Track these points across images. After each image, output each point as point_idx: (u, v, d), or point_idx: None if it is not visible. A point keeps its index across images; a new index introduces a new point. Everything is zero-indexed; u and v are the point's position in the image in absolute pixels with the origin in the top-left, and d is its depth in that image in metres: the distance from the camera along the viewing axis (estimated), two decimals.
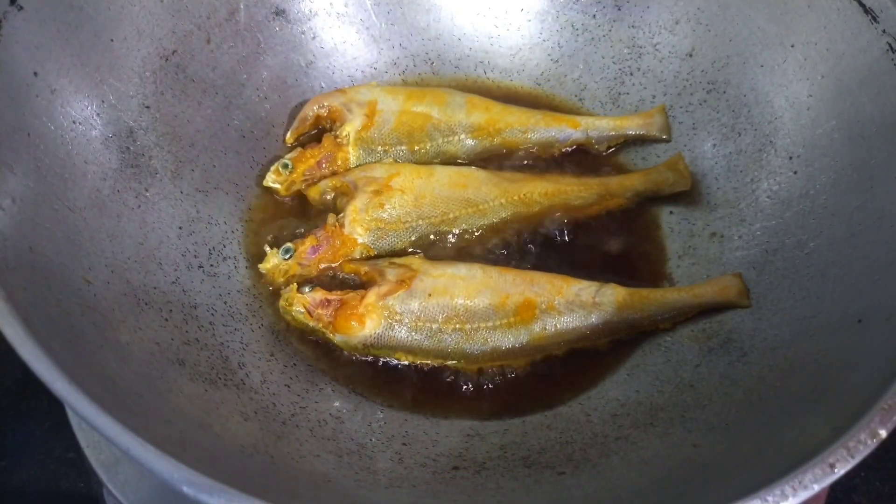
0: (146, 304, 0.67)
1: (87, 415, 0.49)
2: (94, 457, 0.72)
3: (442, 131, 0.85)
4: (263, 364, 0.71)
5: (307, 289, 0.73)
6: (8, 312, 0.51)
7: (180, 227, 0.75)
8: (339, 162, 0.83)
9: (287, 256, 0.76)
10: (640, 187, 0.83)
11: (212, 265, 0.75)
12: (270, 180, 0.81)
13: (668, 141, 0.87)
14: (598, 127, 0.87)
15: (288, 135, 0.86)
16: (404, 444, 0.67)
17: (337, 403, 0.70)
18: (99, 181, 0.70)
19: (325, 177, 0.83)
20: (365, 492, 0.61)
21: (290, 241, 0.78)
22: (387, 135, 0.84)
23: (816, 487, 0.48)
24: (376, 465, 0.64)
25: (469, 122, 0.86)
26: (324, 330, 0.72)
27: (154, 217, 0.73)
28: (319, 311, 0.72)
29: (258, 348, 0.72)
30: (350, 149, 0.84)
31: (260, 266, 0.76)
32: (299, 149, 0.84)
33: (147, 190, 0.74)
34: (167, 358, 0.64)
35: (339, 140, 0.83)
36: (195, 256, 0.74)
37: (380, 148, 0.84)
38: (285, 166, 0.81)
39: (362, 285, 0.76)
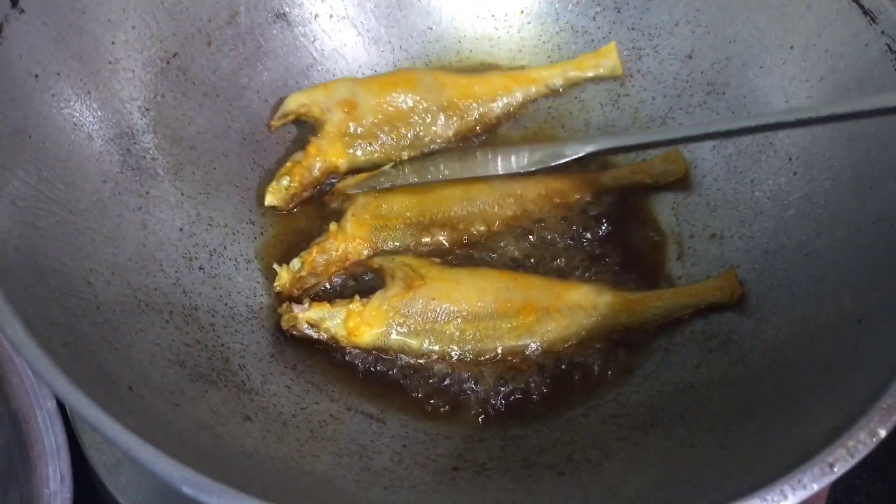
0: (147, 305, 0.67)
1: (87, 415, 0.49)
2: (96, 458, 0.73)
3: (420, 114, 0.86)
4: (264, 365, 0.71)
5: (305, 305, 0.73)
6: (9, 313, 0.52)
7: (181, 229, 0.75)
8: (330, 162, 0.84)
9: (298, 269, 0.76)
10: (633, 178, 0.84)
11: (212, 267, 0.75)
12: (271, 199, 0.81)
13: (620, 78, 0.90)
14: (553, 77, 0.90)
15: (273, 121, 0.86)
16: (404, 446, 0.68)
17: (337, 404, 0.70)
18: (100, 183, 0.70)
19: (320, 181, 0.83)
20: (365, 492, 0.61)
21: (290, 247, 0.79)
22: (369, 128, 0.85)
23: (815, 487, 0.48)
24: (376, 465, 0.64)
25: (441, 101, 0.87)
26: (335, 339, 0.73)
27: (155, 219, 0.73)
28: (326, 324, 0.72)
29: (259, 349, 0.72)
30: (336, 147, 0.84)
31: (275, 285, 0.76)
32: (288, 164, 0.83)
33: (148, 192, 0.74)
34: (168, 359, 0.64)
35: (323, 141, 0.84)
36: (196, 258, 0.75)
37: (364, 141, 0.85)
38: (284, 182, 0.82)
39: (367, 287, 0.77)
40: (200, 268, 0.75)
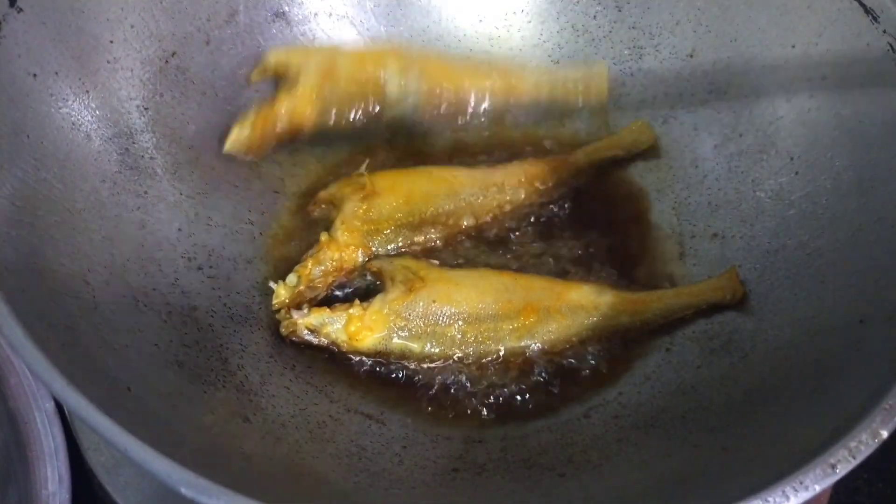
0: (145, 305, 0.67)
1: (85, 415, 0.49)
2: (95, 459, 0.72)
3: (393, 92, 0.85)
4: (262, 366, 0.71)
5: (305, 310, 0.73)
6: (7, 313, 0.51)
7: (180, 229, 0.75)
8: (297, 116, 0.82)
9: (295, 283, 0.75)
10: (607, 153, 0.86)
11: (211, 267, 0.75)
12: (229, 146, 0.80)
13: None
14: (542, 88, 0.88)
15: (252, 75, 0.85)
16: (404, 447, 0.67)
17: (336, 405, 0.70)
18: (98, 183, 0.70)
19: (282, 136, 0.82)
20: (364, 493, 0.61)
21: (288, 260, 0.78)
22: (342, 95, 0.83)
23: (817, 488, 0.48)
24: (376, 466, 0.64)
25: (419, 86, 0.85)
26: (335, 344, 0.73)
27: (153, 219, 0.73)
28: (327, 329, 0.72)
29: (257, 350, 0.72)
30: (306, 106, 0.82)
31: (273, 303, 0.75)
32: (253, 112, 0.81)
33: (146, 191, 0.74)
34: (166, 359, 0.64)
35: (295, 99, 0.82)
36: (194, 258, 0.74)
37: (334, 109, 0.83)
38: (245, 130, 0.80)
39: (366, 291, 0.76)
40: (199, 268, 0.74)
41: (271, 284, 0.76)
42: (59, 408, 0.72)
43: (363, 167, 0.83)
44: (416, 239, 0.80)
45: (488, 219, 0.82)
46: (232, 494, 0.47)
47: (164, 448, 0.48)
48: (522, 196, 0.83)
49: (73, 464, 0.70)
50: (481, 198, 0.82)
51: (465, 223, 0.81)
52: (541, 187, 0.84)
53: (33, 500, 0.69)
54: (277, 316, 0.74)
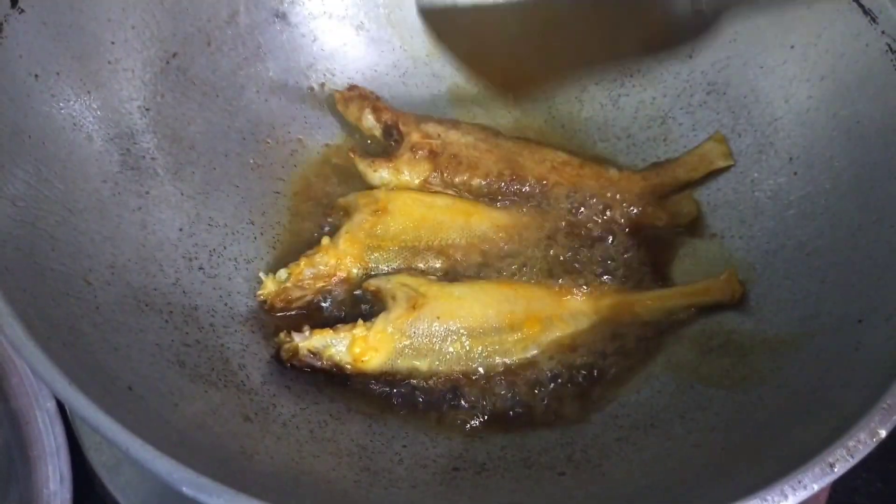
0: (146, 305, 0.67)
1: (86, 415, 0.49)
2: (96, 458, 0.73)
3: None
4: (263, 365, 0.71)
5: (306, 333, 0.71)
6: (8, 313, 0.52)
7: (181, 229, 0.75)
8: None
9: (284, 279, 0.75)
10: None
11: (212, 267, 0.75)
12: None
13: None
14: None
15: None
16: (404, 446, 0.68)
17: (337, 404, 0.70)
18: (99, 183, 0.70)
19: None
20: (365, 493, 0.61)
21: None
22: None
23: (816, 487, 0.48)
24: (376, 465, 0.64)
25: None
26: (339, 367, 0.71)
27: (154, 219, 0.73)
28: (330, 351, 0.71)
29: (258, 350, 0.72)
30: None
31: (258, 293, 0.75)
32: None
33: (148, 192, 0.74)
34: (167, 359, 0.64)
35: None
36: (195, 258, 0.74)
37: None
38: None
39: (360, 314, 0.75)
40: (200, 268, 0.74)
41: (261, 275, 0.76)
42: (61, 407, 0.72)
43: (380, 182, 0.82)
44: (416, 264, 0.77)
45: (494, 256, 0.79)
46: (233, 493, 0.47)
47: (165, 447, 0.48)
48: (542, 244, 0.80)
49: (75, 463, 0.71)
50: (493, 239, 0.79)
51: (473, 259, 0.78)
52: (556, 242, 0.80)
53: (35, 499, 0.69)
54: (276, 339, 0.72)
